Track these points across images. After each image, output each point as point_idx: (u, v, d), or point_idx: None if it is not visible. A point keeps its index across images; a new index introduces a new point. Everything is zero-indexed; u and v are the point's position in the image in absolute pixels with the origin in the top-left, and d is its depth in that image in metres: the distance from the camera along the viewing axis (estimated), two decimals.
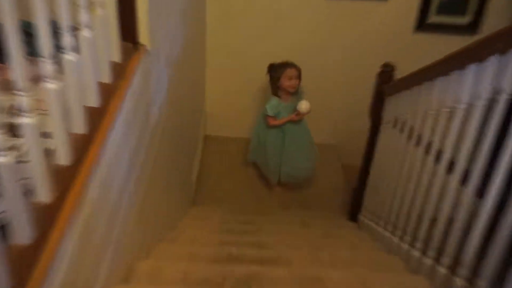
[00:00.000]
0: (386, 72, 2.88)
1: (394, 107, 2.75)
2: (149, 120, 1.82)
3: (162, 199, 2.18)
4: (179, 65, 2.57)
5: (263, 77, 3.64)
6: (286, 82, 3.39)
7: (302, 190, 3.78)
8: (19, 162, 0.99)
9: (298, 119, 3.44)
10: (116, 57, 1.55)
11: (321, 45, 3.86)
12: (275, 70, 3.42)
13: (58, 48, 1.14)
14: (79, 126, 1.25)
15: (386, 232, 2.61)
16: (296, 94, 3.48)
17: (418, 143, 2.31)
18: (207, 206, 3.47)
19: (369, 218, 3.03)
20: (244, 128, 4.17)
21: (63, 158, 1.16)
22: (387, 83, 2.86)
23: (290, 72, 3.39)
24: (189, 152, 3.27)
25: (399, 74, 2.82)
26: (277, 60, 3.47)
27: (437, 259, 2.04)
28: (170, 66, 2.25)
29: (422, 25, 3.74)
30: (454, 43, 2.37)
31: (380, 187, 2.85)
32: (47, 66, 1.06)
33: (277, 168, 3.58)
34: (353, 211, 3.29)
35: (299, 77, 3.41)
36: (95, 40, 1.34)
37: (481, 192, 1.75)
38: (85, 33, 1.29)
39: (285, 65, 3.41)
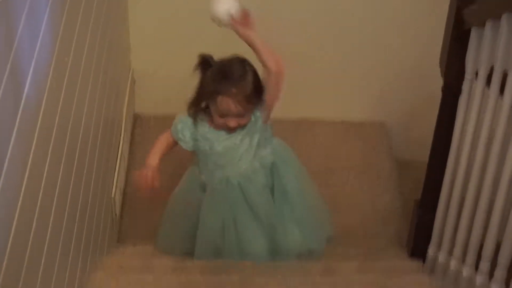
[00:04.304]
0: None
1: (488, 47, 1.75)
2: (21, 94, 1.21)
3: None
4: None
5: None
6: (218, 118, 1.90)
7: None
8: None
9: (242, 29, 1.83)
10: None
11: None
12: (206, 80, 1.90)
13: None
14: None
15: (481, 277, 1.81)
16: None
17: None
18: (142, 247, 2.22)
19: (448, 254, 2.06)
20: None
21: None
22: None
23: (224, 103, 1.84)
24: (103, 148, 2.06)
25: None
26: None
27: None
28: None
29: None
30: None
31: (468, 197, 1.89)
32: None
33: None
34: (417, 243, 2.26)
35: (247, 106, 1.87)
36: None
37: None
38: None
39: (221, 81, 1.85)
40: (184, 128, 1.95)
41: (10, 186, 1.13)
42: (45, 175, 1.36)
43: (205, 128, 1.93)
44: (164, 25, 2.72)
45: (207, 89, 1.86)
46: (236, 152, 1.92)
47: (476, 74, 1.82)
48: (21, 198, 1.20)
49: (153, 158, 1.94)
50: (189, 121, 1.95)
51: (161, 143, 1.98)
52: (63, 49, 1.51)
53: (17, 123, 1.16)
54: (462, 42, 1.86)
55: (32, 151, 1.27)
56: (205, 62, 1.89)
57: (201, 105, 1.93)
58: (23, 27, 1.19)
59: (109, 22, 2.20)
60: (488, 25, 1.72)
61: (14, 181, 1.15)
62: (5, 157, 1.10)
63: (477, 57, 1.82)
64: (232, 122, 1.85)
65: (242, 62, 1.86)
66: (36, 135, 1.29)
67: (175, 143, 1.98)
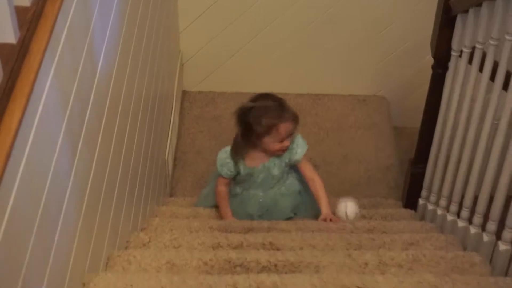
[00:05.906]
0: None
1: (470, 30, 1.88)
2: (95, 72, 1.35)
3: (119, 190, 1.63)
4: None
5: None
6: (275, 145, 2.06)
7: (336, 170, 2.82)
8: None
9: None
10: None
11: None
12: (257, 121, 2.01)
13: None
14: None
15: (462, 222, 1.95)
16: None
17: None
18: (190, 198, 2.53)
19: (435, 203, 2.23)
20: (245, 76, 3.08)
21: None
22: None
23: (285, 128, 2.02)
24: (159, 118, 2.29)
25: None
26: None
27: None
28: None
29: None
30: None
31: (453, 155, 2.05)
32: None
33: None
34: (411, 194, 2.44)
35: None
36: None
37: None
38: None
39: (278, 114, 2.01)
40: (225, 166, 2.12)
41: (89, 142, 1.27)
42: (114, 137, 1.51)
43: (245, 167, 2.12)
44: (207, 16, 2.94)
45: (263, 127, 1.99)
46: (270, 180, 2.15)
47: (461, 53, 1.97)
48: (96, 155, 1.34)
49: (227, 213, 2.17)
50: (229, 160, 2.11)
51: (220, 197, 2.18)
52: (128, 35, 1.68)
53: (93, 92, 1.33)
54: (449, 27, 2.00)
55: (104, 116, 1.41)
56: (247, 112, 2.01)
57: (248, 145, 2.07)
58: (96, 16, 1.35)
59: (163, 12, 2.40)
60: (471, 12, 1.85)
61: (91, 139, 1.31)
62: (84, 121, 1.25)
63: (461, 39, 1.95)
64: (287, 142, 2.04)
65: (271, 95, 2.07)
66: (107, 102, 1.45)
67: (225, 180, 2.16)
